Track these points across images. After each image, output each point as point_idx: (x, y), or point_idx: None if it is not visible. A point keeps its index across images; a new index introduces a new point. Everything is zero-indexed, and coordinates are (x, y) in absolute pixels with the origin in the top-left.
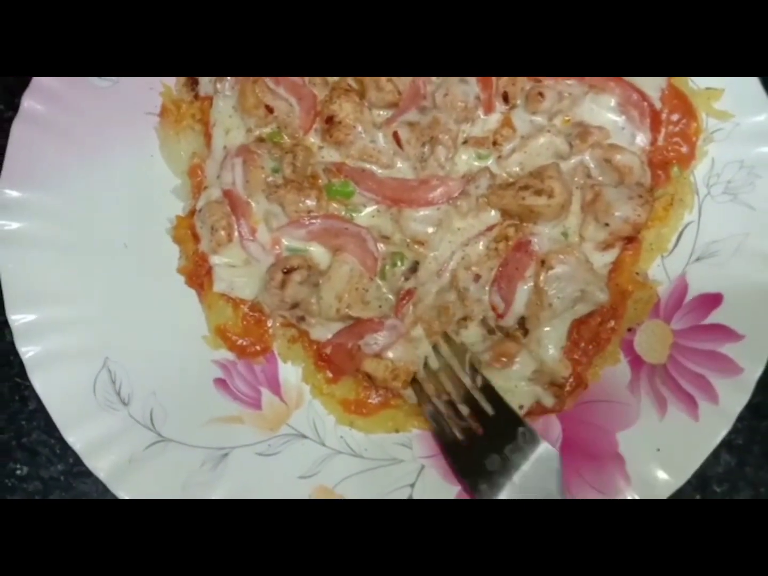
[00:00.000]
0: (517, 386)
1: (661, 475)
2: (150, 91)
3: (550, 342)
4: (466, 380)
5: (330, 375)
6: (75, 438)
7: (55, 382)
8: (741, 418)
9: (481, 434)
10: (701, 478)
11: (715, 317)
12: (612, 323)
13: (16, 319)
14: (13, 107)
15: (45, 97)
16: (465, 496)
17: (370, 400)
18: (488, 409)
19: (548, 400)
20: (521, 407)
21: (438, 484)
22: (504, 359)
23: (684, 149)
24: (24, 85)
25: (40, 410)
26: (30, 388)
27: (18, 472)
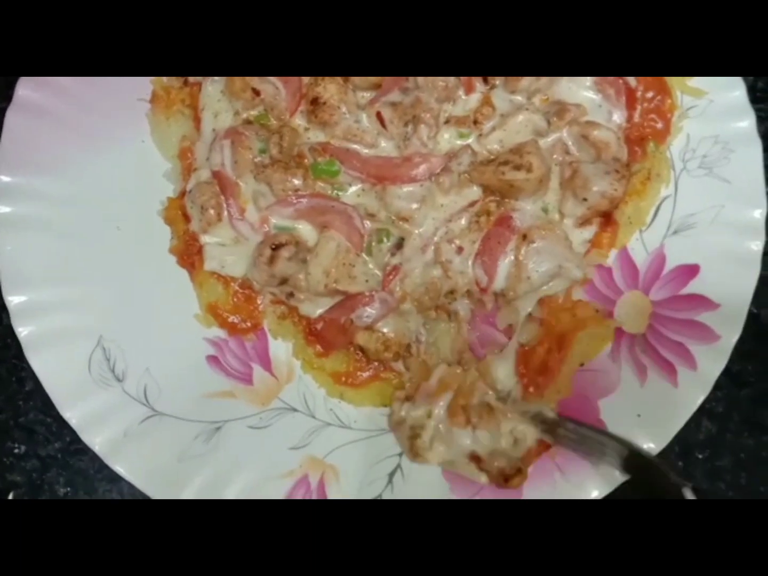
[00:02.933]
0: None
1: (642, 439)
2: (141, 78)
3: (502, 376)
4: None
5: (320, 349)
6: (71, 414)
7: (51, 360)
8: (721, 387)
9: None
10: (684, 444)
11: (693, 287)
12: (560, 354)
13: (12, 299)
14: (7, 98)
15: (38, 85)
16: None
17: (360, 373)
18: None
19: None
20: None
21: None
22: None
23: (659, 125)
24: (17, 78)
25: (37, 391)
26: (27, 369)
27: (16, 450)
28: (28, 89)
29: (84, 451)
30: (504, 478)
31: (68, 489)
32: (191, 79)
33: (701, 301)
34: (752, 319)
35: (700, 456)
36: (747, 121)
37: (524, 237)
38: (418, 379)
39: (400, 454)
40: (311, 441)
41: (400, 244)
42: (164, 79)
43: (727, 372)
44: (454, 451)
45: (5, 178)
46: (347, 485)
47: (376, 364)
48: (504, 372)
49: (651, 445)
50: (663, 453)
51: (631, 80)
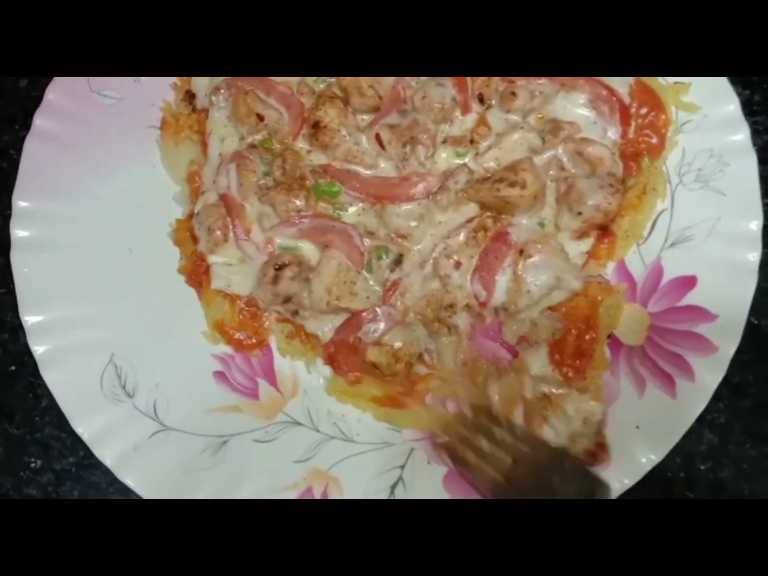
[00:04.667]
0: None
1: (642, 451)
2: (151, 106)
3: (537, 369)
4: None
5: (351, 378)
6: (83, 428)
7: (65, 377)
8: (722, 398)
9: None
10: (686, 456)
11: (690, 299)
12: (591, 334)
13: (28, 319)
14: (26, 127)
15: (55, 115)
16: (452, 478)
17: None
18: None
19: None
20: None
21: (426, 466)
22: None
23: (654, 140)
24: (36, 105)
25: (52, 407)
26: (43, 386)
27: (32, 465)
28: (45, 119)
29: (96, 465)
30: (593, 456)
31: None
32: (199, 105)
33: (699, 313)
34: (752, 330)
35: (702, 467)
36: (741, 134)
37: (521, 252)
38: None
39: (402, 466)
40: (315, 454)
41: (399, 261)
42: (173, 106)
43: (727, 383)
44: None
45: (23, 203)
46: (350, 497)
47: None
48: (539, 363)
49: (651, 456)
50: (664, 464)
51: (625, 97)
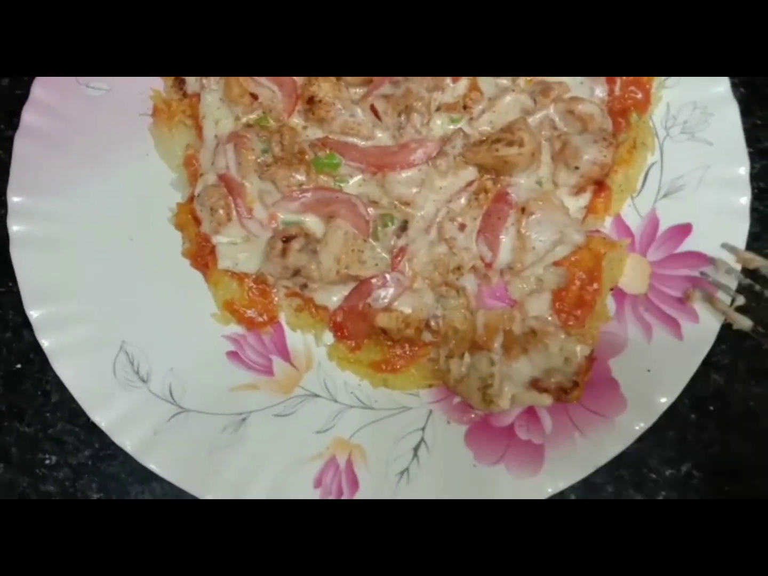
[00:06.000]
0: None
1: (654, 393)
2: (140, 95)
3: (536, 312)
4: None
5: (352, 344)
6: (100, 417)
7: (77, 368)
8: (724, 340)
9: None
10: (694, 398)
11: (687, 245)
12: (594, 285)
13: (33, 313)
14: (13, 126)
15: (43, 110)
16: (473, 434)
17: (397, 357)
18: None
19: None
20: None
21: (446, 426)
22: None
23: (639, 96)
24: (22, 104)
25: (63, 402)
26: (51, 381)
27: (47, 461)
28: (33, 114)
29: (113, 456)
30: (564, 391)
31: (101, 494)
32: (190, 90)
33: (697, 257)
34: (746, 272)
35: (712, 408)
36: (722, 86)
37: (523, 210)
38: (459, 338)
39: (423, 428)
40: (335, 423)
41: (404, 227)
42: (164, 92)
43: (728, 326)
44: (517, 384)
45: (17, 198)
46: (374, 463)
47: (408, 347)
48: (538, 308)
49: (666, 398)
50: (674, 406)
51: None
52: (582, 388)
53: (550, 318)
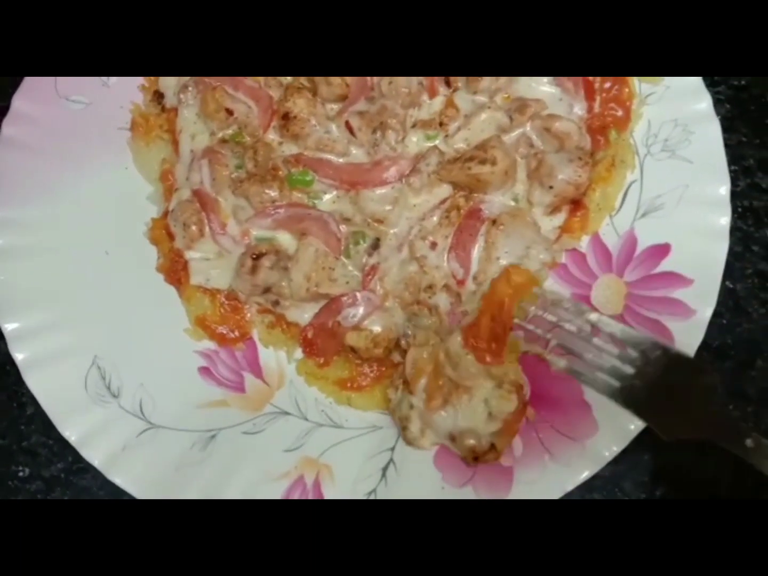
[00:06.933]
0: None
1: (626, 417)
2: (120, 109)
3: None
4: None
5: (320, 360)
6: (70, 431)
7: (49, 382)
8: (704, 362)
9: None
10: None
11: (665, 266)
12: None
13: (8, 326)
14: None
15: (23, 122)
16: (442, 456)
17: (363, 376)
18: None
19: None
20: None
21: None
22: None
23: (619, 113)
24: (2, 114)
25: (38, 414)
26: (27, 394)
27: (20, 474)
28: (13, 126)
29: (86, 469)
30: (473, 456)
31: None
32: (168, 104)
33: (675, 279)
34: (729, 293)
35: None
36: (704, 103)
37: (494, 222)
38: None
39: (392, 449)
40: (305, 442)
41: (376, 245)
42: (142, 106)
43: (708, 347)
44: (439, 434)
45: None
46: (342, 482)
47: (376, 367)
48: (454, 347)
49: (635, 423)
50: (650, 430)
51: None
52: (498, 452)
53: (469, 357)
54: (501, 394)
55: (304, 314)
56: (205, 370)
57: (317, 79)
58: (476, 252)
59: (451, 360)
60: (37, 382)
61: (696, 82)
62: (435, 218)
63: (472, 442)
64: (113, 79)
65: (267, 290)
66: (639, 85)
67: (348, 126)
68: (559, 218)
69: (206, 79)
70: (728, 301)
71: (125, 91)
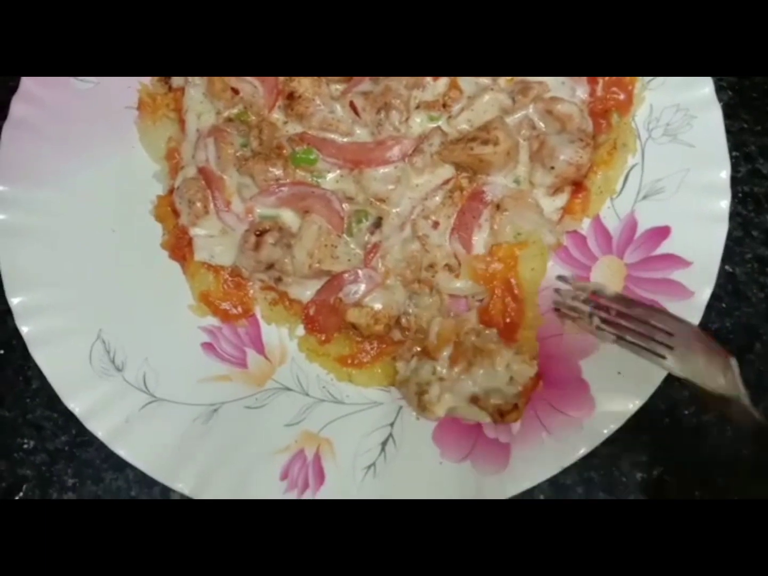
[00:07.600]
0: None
1: (624, 396)
2: (128, 89)
3: None
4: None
5: (322, 337)
6: (75, 404)
7: (54, 355)
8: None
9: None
10: (669, 402)
11: (665, 248)
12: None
13: (14, 300)
14: (3, 117)
15: (32, 101)
16: (441, 431)
17: (364, 353)
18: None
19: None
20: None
21: (415, 423)
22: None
23: (622, 97)
24: (10, 95)
25: (43, 388)
26: (32, 368)
27: (25, 446)
28: (22, 105)
29: (90, 442)
30: (500, 414)
31: (76, 480)
32: (175, 84)
33: (674, 260)
34: (728, 277)
35: (686, 412)
36: (706, 88)
37: (497, 207)
38: (420, 341)
39: (392, 424)
40: (306, 417)
41: (378, 223)
42: (149, 86)
43: (707, 329)
44: (458, 397)
45: (1, 187)
46: (342, 456)
47: (377, 344)
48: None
49: (636, 401)
50: (648, 410)
51: None
52: (521, 411)
53: (487, 332)
54: (522, 359)
55: (306, 291)
56: (208, 346)
57: None
58: (478, 234)
59: (475, 330)
60: (43, 356)
61: None
62: (438, 198)
63: (498, 401)
64: None
65: (270, 267)
66: None
67: (352, 106)
68: (562, 199)
69: None
70: (727, 286)
71: None
